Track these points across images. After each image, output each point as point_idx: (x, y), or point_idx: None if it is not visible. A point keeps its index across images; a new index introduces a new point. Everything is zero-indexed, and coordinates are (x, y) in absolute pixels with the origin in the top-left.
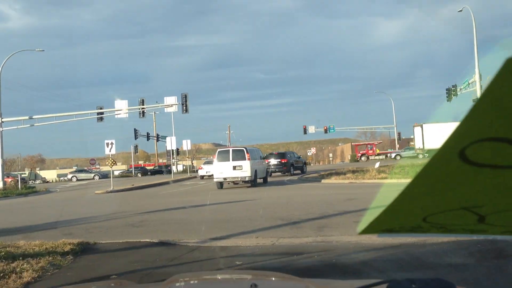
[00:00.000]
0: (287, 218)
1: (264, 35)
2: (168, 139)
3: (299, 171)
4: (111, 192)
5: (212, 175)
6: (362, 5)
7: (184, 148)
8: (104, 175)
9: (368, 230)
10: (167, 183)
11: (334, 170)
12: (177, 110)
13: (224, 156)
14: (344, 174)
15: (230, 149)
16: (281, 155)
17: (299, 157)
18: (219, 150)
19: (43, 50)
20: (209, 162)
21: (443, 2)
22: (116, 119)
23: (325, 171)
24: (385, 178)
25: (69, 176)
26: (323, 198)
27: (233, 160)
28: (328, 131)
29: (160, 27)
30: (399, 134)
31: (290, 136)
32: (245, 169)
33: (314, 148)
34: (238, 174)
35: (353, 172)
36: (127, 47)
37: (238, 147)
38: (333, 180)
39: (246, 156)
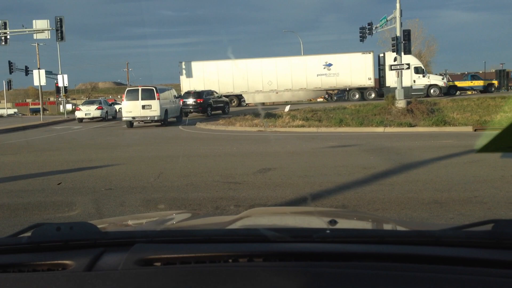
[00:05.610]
0: None
1: None
2: (35, 72)
3: (219, 111)
4: None
5: (94, 117)
6: None
7: (60, 84)
8: None
9: (488, 147)
10: (32, 127)
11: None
12: (49, 37)
13: (133, 95)
14: (252, 120)
15: (140, 88)
16: (197, 95)
17: (220, 97)
18: (128, 89)
19: None
20: (90, 103)
21: None
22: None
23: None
24: (302, 126)
25: None
26: (221, 164)
27: (142, 99)
28: None
29: None
30: None
31: None
32: (154, 109)
33: None
34: (147, 113)
35: (264, 117)
36: None
37: (148, 86)
38: (237, 127)
39: (156, 95)
